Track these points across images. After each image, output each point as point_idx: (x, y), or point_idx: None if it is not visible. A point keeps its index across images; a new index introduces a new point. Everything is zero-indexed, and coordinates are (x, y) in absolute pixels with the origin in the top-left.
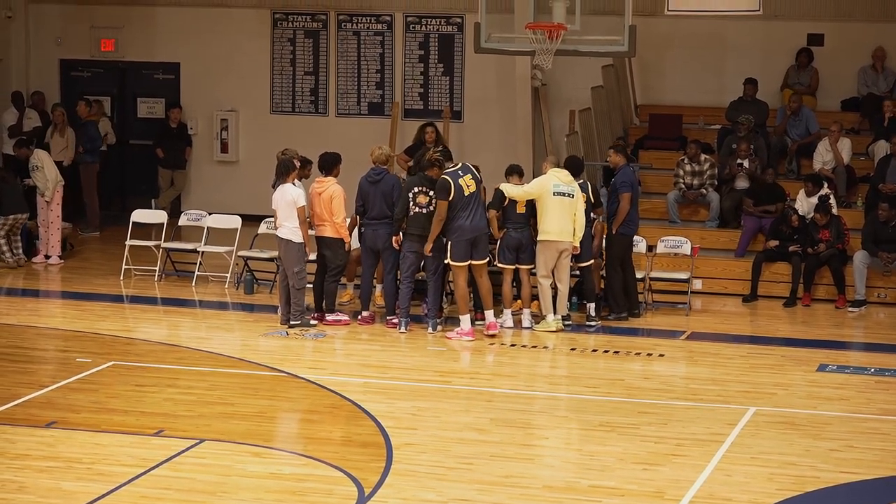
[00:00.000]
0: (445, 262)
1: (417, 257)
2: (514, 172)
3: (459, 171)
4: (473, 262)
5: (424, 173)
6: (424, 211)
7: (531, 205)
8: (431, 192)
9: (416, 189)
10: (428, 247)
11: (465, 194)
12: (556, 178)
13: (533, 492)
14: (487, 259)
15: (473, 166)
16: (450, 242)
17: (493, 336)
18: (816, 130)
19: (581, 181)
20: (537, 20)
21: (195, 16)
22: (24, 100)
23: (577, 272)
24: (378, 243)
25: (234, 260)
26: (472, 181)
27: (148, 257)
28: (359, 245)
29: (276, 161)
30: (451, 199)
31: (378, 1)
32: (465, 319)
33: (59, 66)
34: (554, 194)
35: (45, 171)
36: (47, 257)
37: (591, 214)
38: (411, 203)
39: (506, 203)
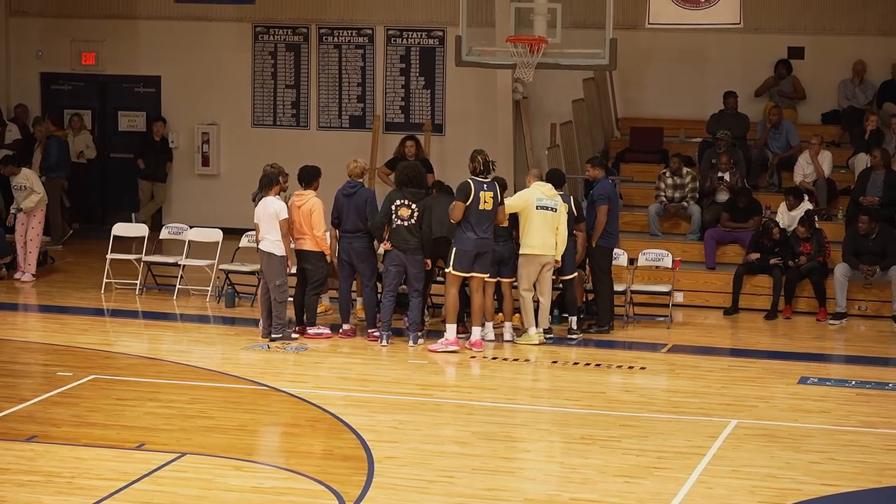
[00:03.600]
0: (445, 270)
1: (399, 272)
2: None
3: (485, 185)
4: (474, 274)
5: (407, 187)
6: (406, 224)
7: (513, 218)
8: (413, 206)
9: (398, 202)
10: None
11: (480, 207)
12: (540, 191)
13: None
14: (488, 274)
15: (500, 186)
16: (454, 250)
17: (476, 352)
18: (797, 143)
19: (562, 193)
20: (518, 33)
21: (176, 29)
22: (2, 114)
23: (560, 285)
24: (353, 256)
25: (216, 273)
26: (492, 200)
27: (129, 271)
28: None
29: (260, 174)
30: (467, 203)
31: (359, 14)
32: (451, 329)
33: (40, 79)
34: (537, 208)
35: (35, 189)
36: (23, 273)
37: (574, 230)
38: (393, 216)
39: None
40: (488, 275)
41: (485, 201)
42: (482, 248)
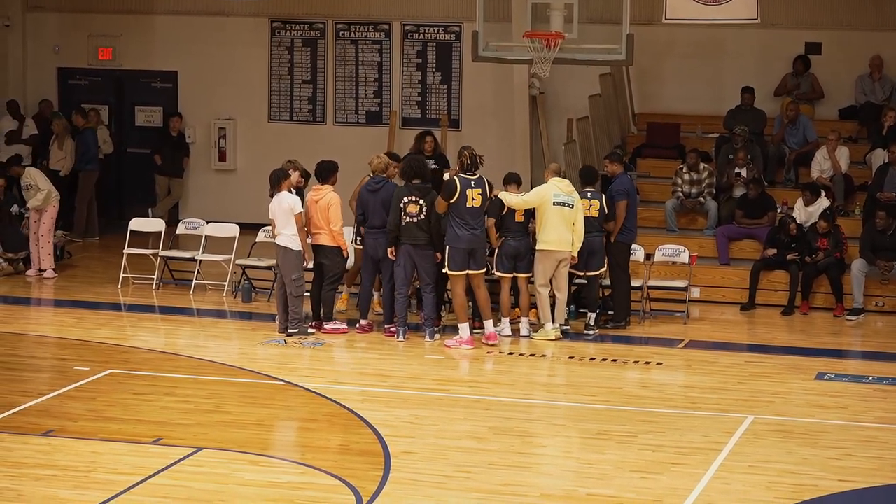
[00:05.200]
0: (444, 271)
1: (410, 267)
2: (513, 181)
3: (472, 182)
4: (470, 272)
5: (414, 182)
6: (415, 220)
7: (529, 213)
8: (422, 202)
9: (405, 199)
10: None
11: (468, 205)
12: (557, 187)
13: (531, 500)
14: (485, 269)
15: (488, 182)
16: (447, 249)
17: (492, 346)
18: (814, 139)
19: (593, 190)
20: (535, 29)
21: (193, 24)
22: (19, 108)
23: (584, 280)
24: (378, 252)
25: (232, 268)
26: (480, 196)
27: (146, 266)
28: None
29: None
30: (452, 201)
31: (376, 9)
32: (464, 328)
33: (57, 74)
34: (554, 204)
35: (40, 187)
36: (41, 271)
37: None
38: (402, 213)
39: (504, 211)
40: (484, 270)
41: (472, 198)
42: (474, 244)
